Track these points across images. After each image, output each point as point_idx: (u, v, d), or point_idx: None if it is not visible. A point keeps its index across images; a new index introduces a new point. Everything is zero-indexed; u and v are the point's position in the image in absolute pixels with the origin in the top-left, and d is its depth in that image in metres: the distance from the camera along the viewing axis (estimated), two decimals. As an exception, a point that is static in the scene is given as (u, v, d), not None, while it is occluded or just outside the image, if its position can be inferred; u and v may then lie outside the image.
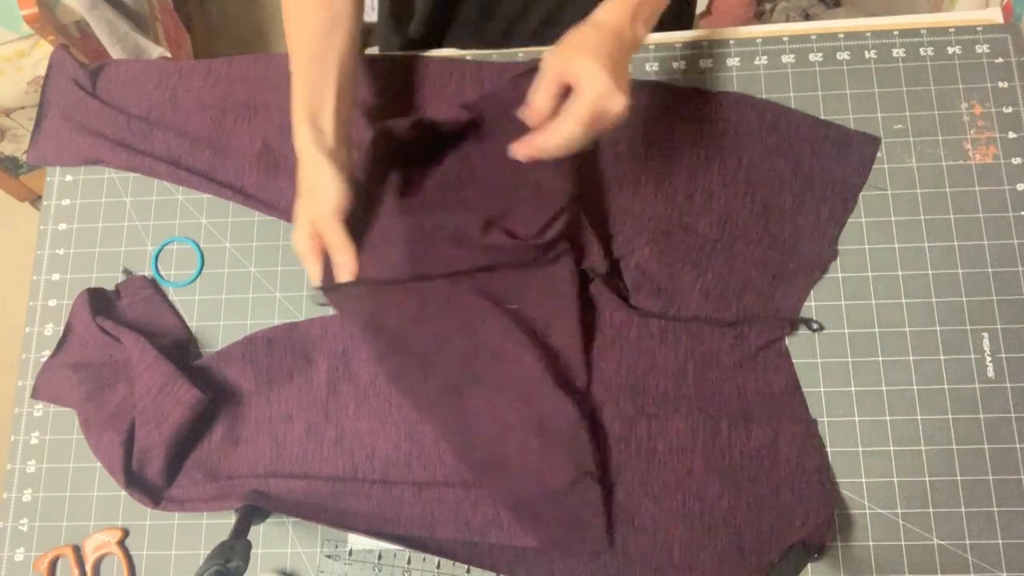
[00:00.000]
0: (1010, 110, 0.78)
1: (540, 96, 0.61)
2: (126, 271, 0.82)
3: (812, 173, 0.76)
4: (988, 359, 0.72)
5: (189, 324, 0.80)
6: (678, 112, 0.79)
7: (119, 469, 0.71)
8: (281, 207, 0.80)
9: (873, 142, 0.77)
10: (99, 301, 0.80)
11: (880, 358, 0.73)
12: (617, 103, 0.59)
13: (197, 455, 0.74)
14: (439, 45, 0.89)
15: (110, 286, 0.81)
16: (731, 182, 0.76)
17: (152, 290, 0.80)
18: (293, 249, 0.68)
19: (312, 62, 0.69)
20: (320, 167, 0.66)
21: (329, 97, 0.68)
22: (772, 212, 0.75)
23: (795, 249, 0.74)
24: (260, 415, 0.75)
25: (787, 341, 0.74)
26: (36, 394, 0.78)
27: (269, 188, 0.81)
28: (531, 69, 0.80)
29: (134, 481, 0.72)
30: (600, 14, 0.63)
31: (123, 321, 0.78)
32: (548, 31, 0.90)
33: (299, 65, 0.69)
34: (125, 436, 0.72)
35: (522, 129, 0.62)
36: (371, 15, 1.43)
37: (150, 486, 0.73)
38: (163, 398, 0.71)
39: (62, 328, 0.80)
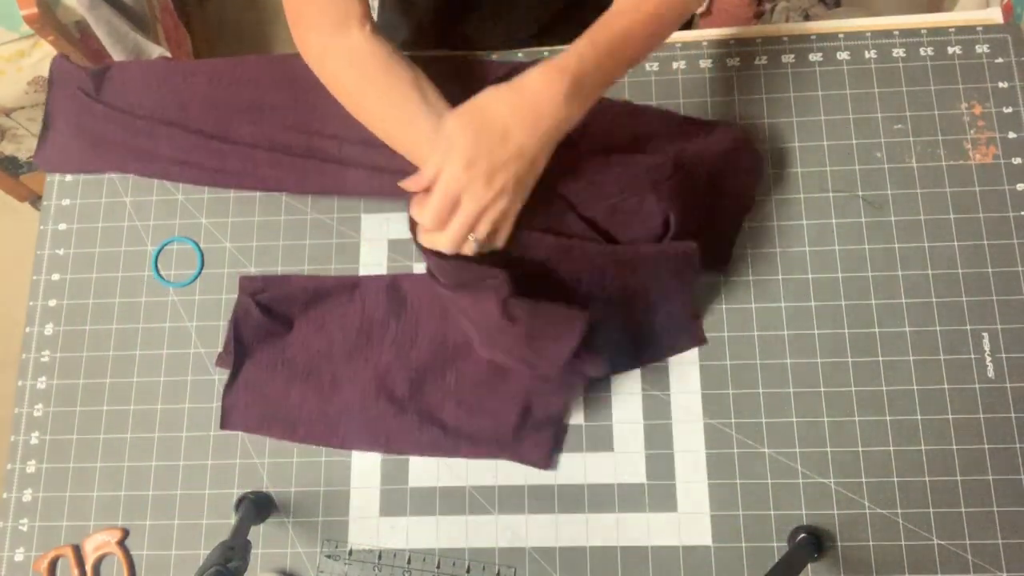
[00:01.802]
0: (1010, 110, 0.78)
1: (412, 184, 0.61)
2: None
3: (724, 182, 0.75)
4: (988, 359, 0.72)
5: (189, 324, 0.80)
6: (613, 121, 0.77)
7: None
8: (290, 186, 0.81)
9: (759, 159, 0.77)
10: None
11: (880, 358, 0.73)
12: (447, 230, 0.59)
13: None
14: (438, 48, 0.89)
15: (110, 286, 0.82)
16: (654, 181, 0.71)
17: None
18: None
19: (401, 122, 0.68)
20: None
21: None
22: (687, 219, 0.70)
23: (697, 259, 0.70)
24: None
25: (786, 342, 0.74)
26: (226, 425, 0.77)
27: (281, 180, 0.81)
28: (515, 68, 0.80)
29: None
30: (529, 80, 0.58)
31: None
32: (553, 30, 0.90)
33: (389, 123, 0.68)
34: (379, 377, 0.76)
35: None
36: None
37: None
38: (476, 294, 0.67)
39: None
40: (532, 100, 0.58)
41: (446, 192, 0.59)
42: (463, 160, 0.58)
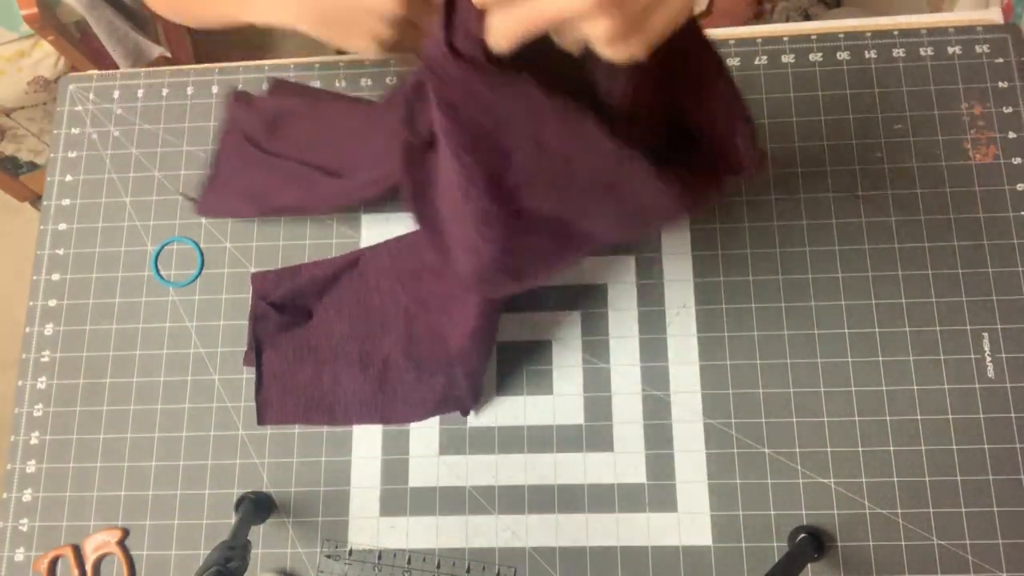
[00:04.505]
0: (1010, 110, 0.78)
1: None
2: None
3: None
4: (988, 359, 0.72)
5: (189, 324, 0.80)
6: None
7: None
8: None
9: None
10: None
11: (880, 358, 0.73)
12: None
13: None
14: None
15: (110, 286, 0.82)
16: None
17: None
18: None
19: None
20: None
21: None
22: None
23: None
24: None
25: (786, 341, 0.74)
26: (263, 420, 0.77)
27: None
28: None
29: None
30: None
31: None
32: None
33: None
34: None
35: None
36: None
37: None
38: None
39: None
40: None
41: None
42: None
